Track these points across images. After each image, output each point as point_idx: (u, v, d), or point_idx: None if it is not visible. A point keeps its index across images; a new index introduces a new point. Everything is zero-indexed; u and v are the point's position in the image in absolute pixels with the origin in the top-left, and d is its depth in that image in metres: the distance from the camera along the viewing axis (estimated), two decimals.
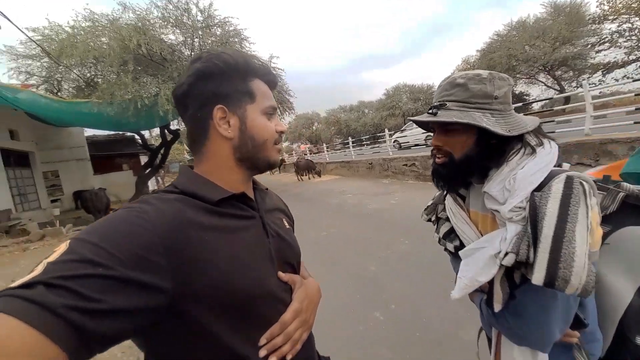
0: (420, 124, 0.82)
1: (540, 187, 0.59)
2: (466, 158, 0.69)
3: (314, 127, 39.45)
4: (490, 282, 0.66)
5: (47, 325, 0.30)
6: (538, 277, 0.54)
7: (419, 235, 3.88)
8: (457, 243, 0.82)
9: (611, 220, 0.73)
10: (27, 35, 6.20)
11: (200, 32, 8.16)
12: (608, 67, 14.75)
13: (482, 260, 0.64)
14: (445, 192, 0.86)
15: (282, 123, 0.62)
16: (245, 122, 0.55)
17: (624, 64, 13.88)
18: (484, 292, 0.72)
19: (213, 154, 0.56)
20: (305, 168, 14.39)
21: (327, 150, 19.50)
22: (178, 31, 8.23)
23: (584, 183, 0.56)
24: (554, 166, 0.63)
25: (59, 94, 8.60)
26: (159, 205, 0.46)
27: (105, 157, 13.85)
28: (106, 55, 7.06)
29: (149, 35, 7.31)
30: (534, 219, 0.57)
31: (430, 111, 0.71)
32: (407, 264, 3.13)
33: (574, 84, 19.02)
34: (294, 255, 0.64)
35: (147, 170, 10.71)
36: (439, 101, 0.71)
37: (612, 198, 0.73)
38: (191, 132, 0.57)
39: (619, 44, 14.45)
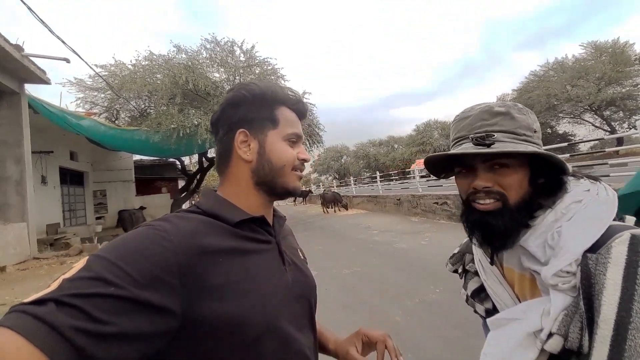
0: (455, 160, 0.63)
1: (595, 248, 0.46)
2: (522, 202, 0.55)
3: (342, 160, 39.91)
4: None
5: (53, 347, 0.30)
6: None
7: (453, 284, 3.50)
8: (489, 305, 0.67)
9: None
10: (95, 71, 7.17)
11: (241, 71, 8.91)
12: None
13: (516, 338, 0.50)
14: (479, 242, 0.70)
15: (306, 152, 0.61)
16: (265, 146, 0.56)
17: None
18: None
19: (234, 176, 0.57)
20: (331, 200, 14.31)
21: (355, 184, 19.38)
22: (222, 70, 9.07)
23: None
24: (614, 219, 0.49)
25: (116, 122, 9.65)
26: (179, 224, 0.46)
27: (147, 179, 14.94)
28: (159, 90, 7.90)
29: (196, 73, 8.13)
30: (587, 292, 0.43)
31: (476, 142, 0.55)
32: (439, 318, 2.79)
33: (625, 125, 17.59)
34: (310, 290, 0.60)
35: (183, 194, 11.29)
36: (477, 132, 0.57)
37: None
38: (218, 154, 0.60)
39: None
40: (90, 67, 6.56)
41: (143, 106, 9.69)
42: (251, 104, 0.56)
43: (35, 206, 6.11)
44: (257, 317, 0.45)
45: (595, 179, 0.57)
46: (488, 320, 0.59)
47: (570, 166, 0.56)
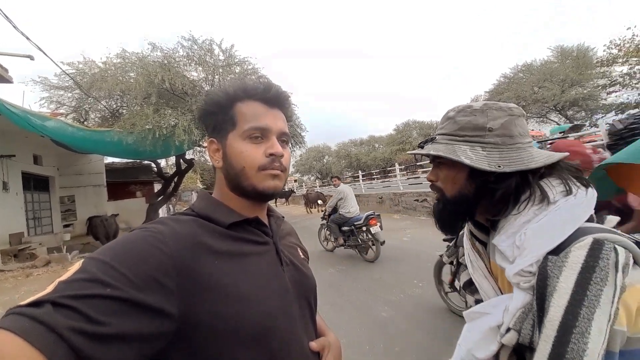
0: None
1: (559, 250, 0.46)
2: (459, 196, 0.60)
3: (324, 160, 40.00)
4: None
5: (51, 348, 0.30)
6: None
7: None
8: (479, 297, 0.70)
9: None
10: (61, 69, 6.75)
11: (220, 70, 8.68)
12: (622, 108, 14.68)
13: (482, 331, 0.54)
14: (466, 235, 0.74)
15: (277, 144, 0.54)
16: (226, 149, 0.55)
17: (637, 105, 13.79)
18: None
19: (218, 182, 0.58)
20: (315, 200, 14.30)
21: None
22: (200, 69, 8.79)
23: (619, 251, 0.42)
24: (588, 220, 0.50)
25: (85, 122, 9.10)
26: (174, 226, 0.46)
27: (120, 183, 14.20)
28: (132, 89, 7.54)
29: (173, 71, 7.82)
30: (541, 292, 0.45)
31: (421, 145, 0.68)
32: (423, 312, 2.86)
33: (587, 124, 18.91)
34: (310, 288, 0.60)
35: (159, 198, 10.85)
36: (434, 134, 0.68)
37: None
38: None
39: (631, 85, 14.50)
40: (56, 65, 6.16)
41: (115, 106, 9.19)
42: (213, 112, 0.56)
43: None
44: (255, 318, 0.45)
45: (576, 178, 0.55)
46: (464, 313, 0.62)
47: (542, 164, 0.54)
